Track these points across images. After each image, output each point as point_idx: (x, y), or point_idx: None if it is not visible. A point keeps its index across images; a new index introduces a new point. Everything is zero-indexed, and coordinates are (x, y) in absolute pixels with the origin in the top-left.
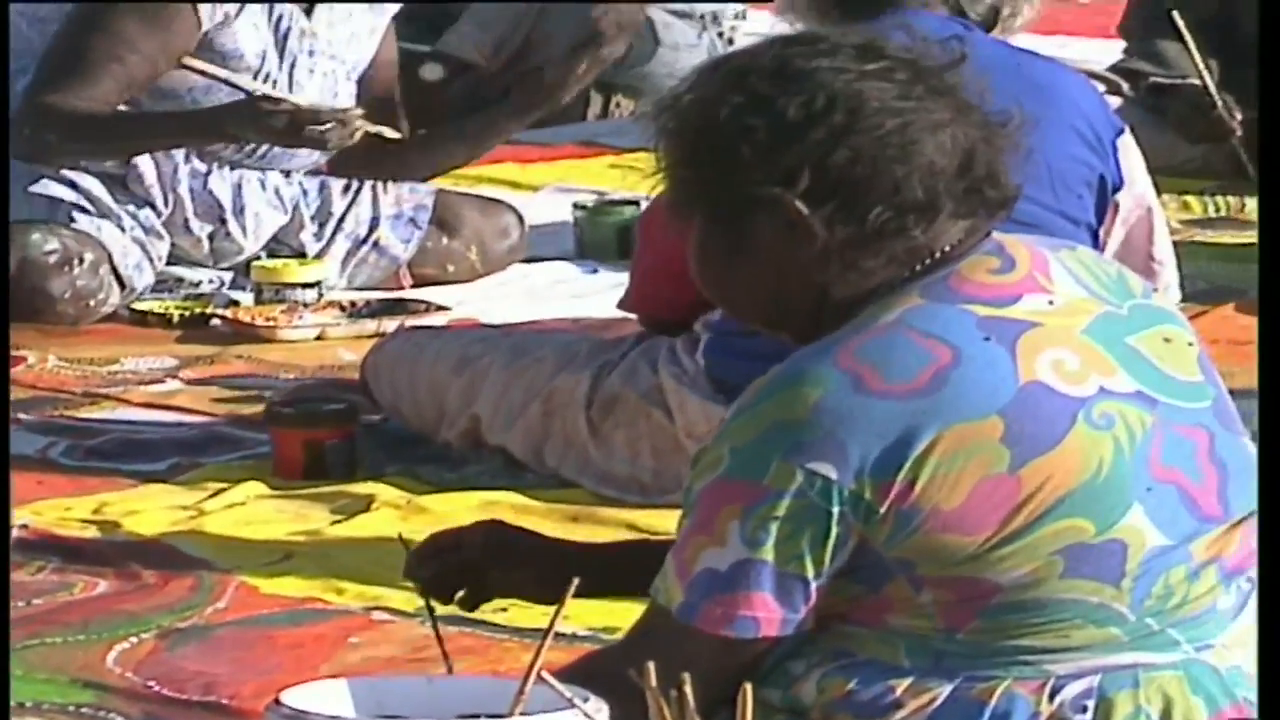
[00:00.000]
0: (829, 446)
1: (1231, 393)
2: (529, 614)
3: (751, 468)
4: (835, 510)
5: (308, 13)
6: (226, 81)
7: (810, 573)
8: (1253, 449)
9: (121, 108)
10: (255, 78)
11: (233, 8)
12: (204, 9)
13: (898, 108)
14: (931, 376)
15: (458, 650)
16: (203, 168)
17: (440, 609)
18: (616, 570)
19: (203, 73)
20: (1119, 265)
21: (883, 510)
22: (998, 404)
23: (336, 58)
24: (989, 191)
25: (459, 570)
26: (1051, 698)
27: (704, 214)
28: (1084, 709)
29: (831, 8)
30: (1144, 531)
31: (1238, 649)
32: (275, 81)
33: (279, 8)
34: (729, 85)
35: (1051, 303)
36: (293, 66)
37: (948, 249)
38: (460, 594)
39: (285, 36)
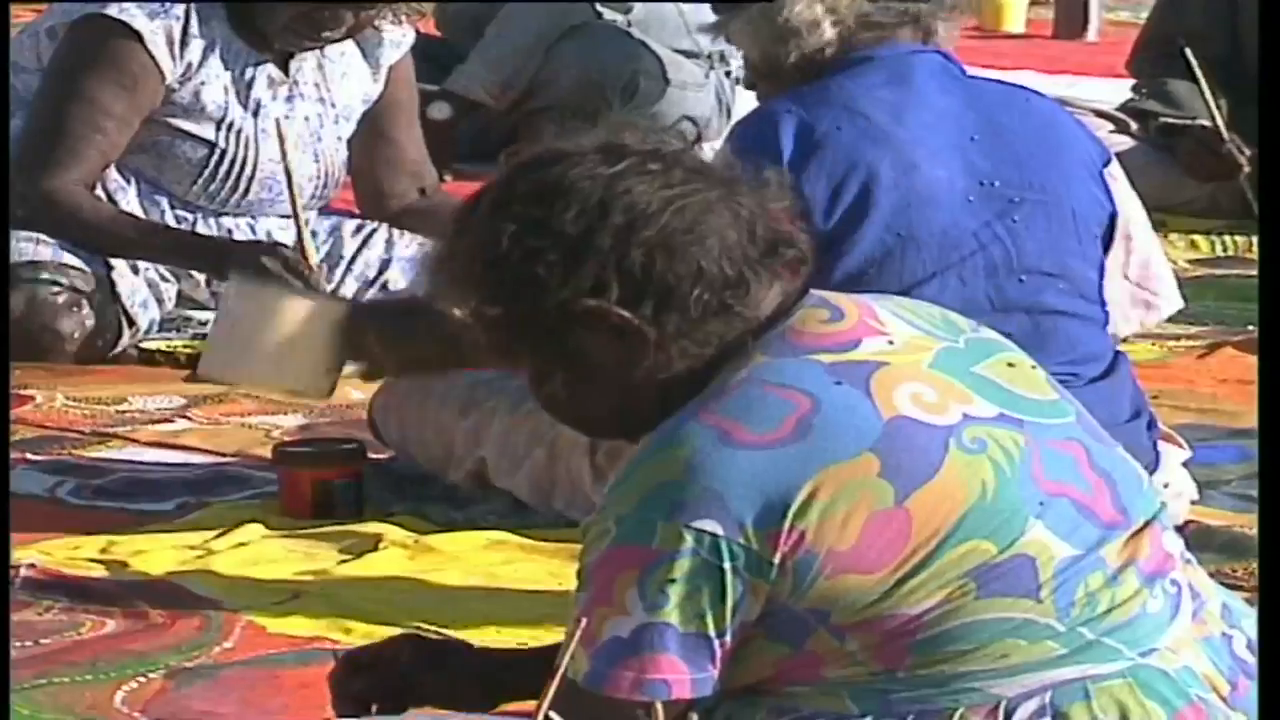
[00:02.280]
0: (708, 502)
1: (1241, 432)
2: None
3: (639, 533)
4: (727, 565)
5: (288, 59)
6: None
7: (712, 630)
8: (1128, 458)
9: (134, 206)
10: (218, 129)
11: (194, 59)
12: (165, 64)
13: (667, 196)
14: (795, 424)
15: None
16: (188, 217)
17: None
18: (544, 670)
19: None
20: (939, 308)
21: (776, 561)
22: (867, 442)
23: (325, 101)
24: (786, 251)
25: (394, 683)
26: (1008, 719)
27: (530, 348)
28: None
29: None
30: (1049, 544)
31: (1184, 650)
32: (240, 130)
33: (243, 56)
34: (496, 219)
35: (891, 342)
36: (257, 114)
37: (771, 312)
38: (375, 708)
39: (250, 85)
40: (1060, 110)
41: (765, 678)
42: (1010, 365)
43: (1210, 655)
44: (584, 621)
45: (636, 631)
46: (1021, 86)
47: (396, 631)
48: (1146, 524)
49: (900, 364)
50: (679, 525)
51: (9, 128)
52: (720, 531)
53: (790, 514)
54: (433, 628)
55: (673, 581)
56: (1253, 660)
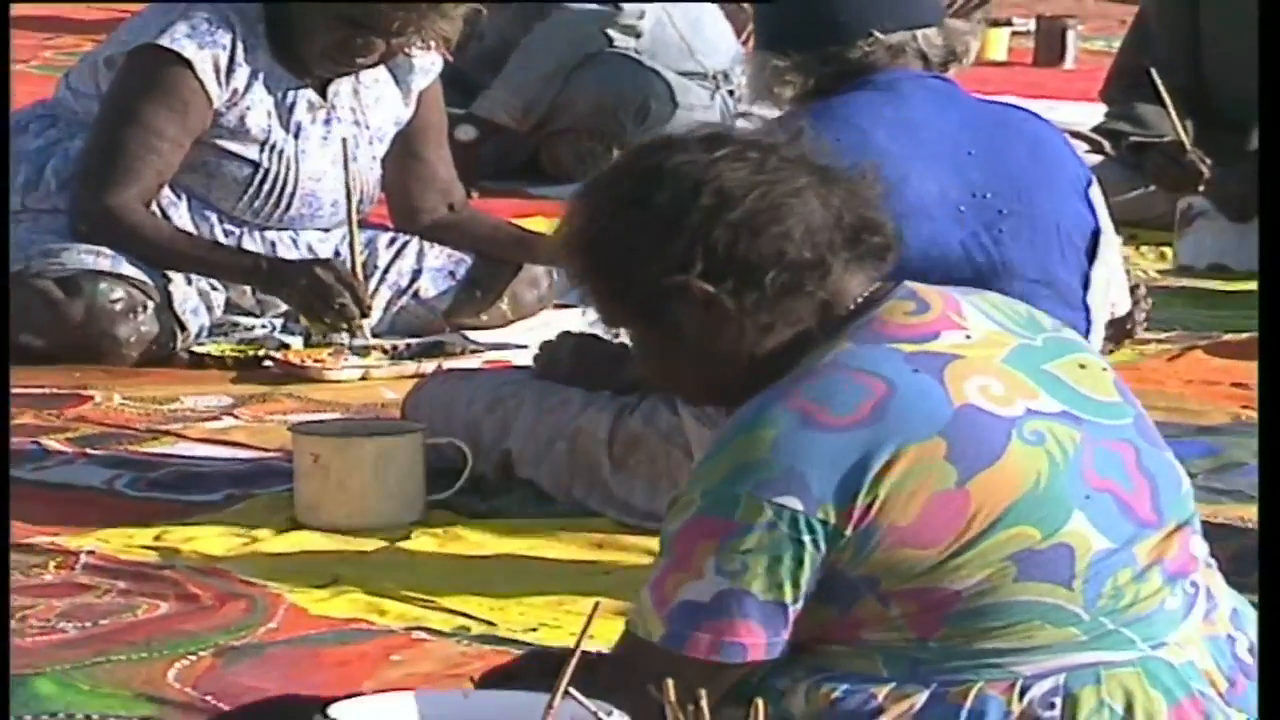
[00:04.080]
0: (790, 480)
1: (1207, 429)
2: (557, 633)
3: (722, 506)
4: (806, 539)
5: (326, 84)
6: None
7: (789, 598)
8: (1175, 462)
9: (185, 221)
10: (261, 149)
11: (240, 85)
12: (213, 90)
13: (756, 181)
14: (872, 407)
15: (489, 666)
16: (235, 231)
17: (476, 628)
18: None
19: None
20: (1026, 305)
21: (848, 533)
22: (937, 426)
23: (360, 123)
24: (871, 239)
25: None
26: (1021, 696)
27: (631, 318)
28: (1052, 705)
29: (818, 82)
30: (1088, 536)
31: (1190, 646)
32: (281, 151)
33: (284, 82)
34: (602, 197)
35: (969, 337)
36: (297, 135)
37: (860, 300)
38: None
39: (291, 109)
40: (1051, 130)
41: (809, 637)
42: (1081, 366)
43: (1214, 654)
44: (651, 585)
45: (717, 597)
46: (1016, 107)
47: (429, 613)
48: (1178, 527)
49: (974, 357)
50: (761, 500)
51: (9, 128)
52: (799, 507)
53: (863, 489)
54: (462, 608)
55: (752, 552)
56: (1252, 662)
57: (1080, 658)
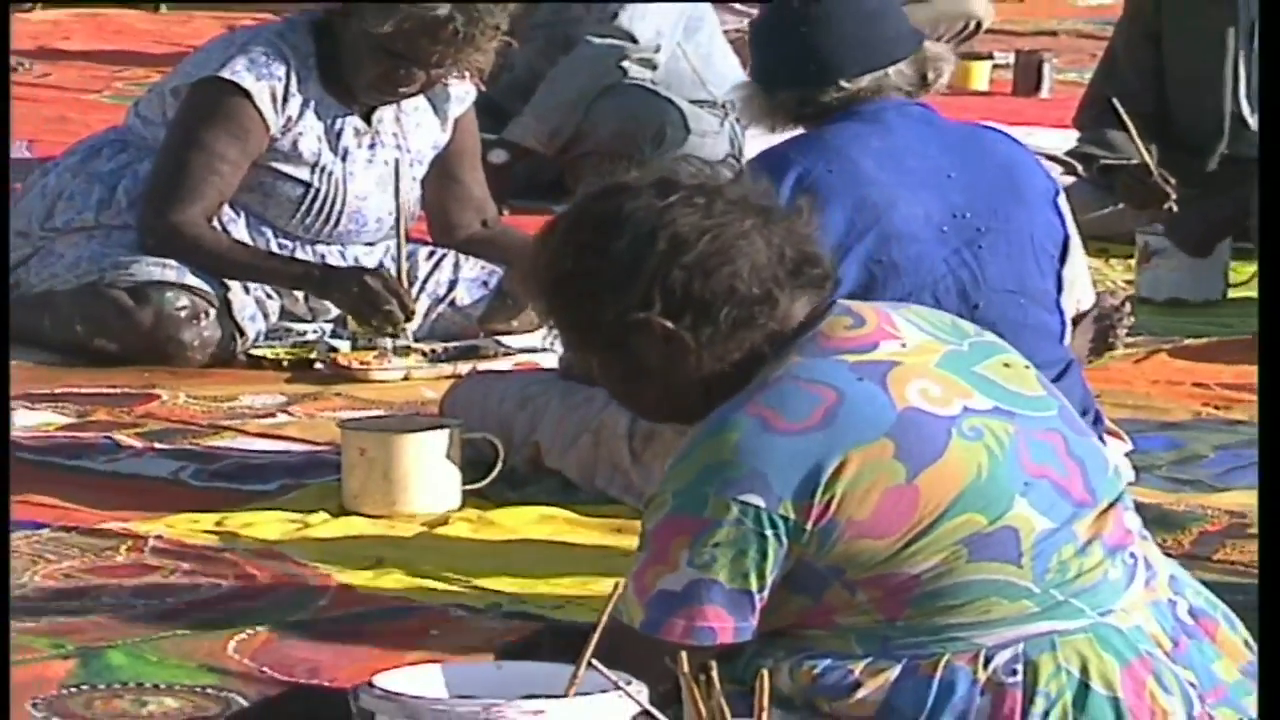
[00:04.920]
0: (753, 480)
1: (1171, 425)
2: (581, 610)
3: (692, 505)
4: (769, 533)
5: (371, 112)
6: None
7: (755, 586)
8: (1100, 446)
9: (242, 236)
10: (312, 171)
11: (293, 113)
12: (270, 117)
13: (706, 225)
14: (824, 414)
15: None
16: (289, 245)
17: (508, 605)
18: None
19: None
20: (951, 316)
21: (809, 528)
22: (883, 429)
23: (402, 147)
24: (811, 271)
25: None
26: (986, 665)
27: (595, 353)
28: (1014, 672)
29: (797, 118)
30: (1030, 518)
31: (1136, 612)
32: (330, 173)
33: (333, 110)
34: (562, 243)
35: (904, 346)
36: (345, 159)
37: (803, 320)
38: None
39: (339, 135)
40: (1020, 148)
41: (787, 624)
42: (1006, 365)
43: (1157, 617)
44: (633, 576)
45: (688, 586)
46: (988, 127)
47: (465, 592)
48: (1111, 504)
49: (911, 363)
50: (727, 498)
51: (10, 133)
52: (763, 504)
53: (820, 488)
54: (495, 587)
55: (720, 545)
56: (1192, 622)
57: (1035, 628)
